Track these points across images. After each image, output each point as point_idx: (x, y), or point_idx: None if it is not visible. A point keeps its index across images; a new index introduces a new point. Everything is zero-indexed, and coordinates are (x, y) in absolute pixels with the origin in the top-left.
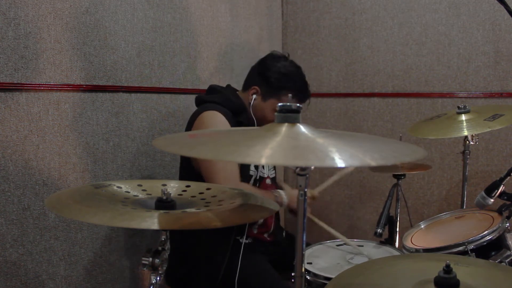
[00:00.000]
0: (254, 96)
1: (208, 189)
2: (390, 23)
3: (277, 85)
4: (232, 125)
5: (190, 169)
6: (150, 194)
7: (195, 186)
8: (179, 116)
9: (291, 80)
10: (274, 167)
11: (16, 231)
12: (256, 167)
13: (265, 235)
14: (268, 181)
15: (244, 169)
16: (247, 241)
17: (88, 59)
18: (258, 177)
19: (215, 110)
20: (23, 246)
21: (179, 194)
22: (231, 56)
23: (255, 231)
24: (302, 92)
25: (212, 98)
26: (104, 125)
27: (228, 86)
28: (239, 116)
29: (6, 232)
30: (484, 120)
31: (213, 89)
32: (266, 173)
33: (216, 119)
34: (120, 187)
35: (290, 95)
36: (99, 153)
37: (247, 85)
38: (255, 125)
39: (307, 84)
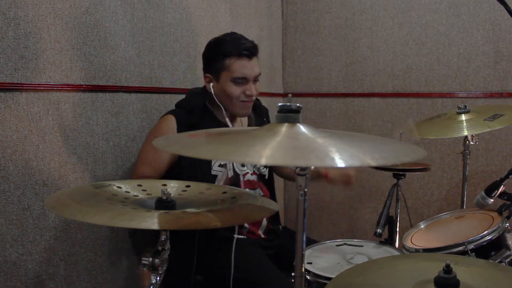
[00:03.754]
0: (211, 84)
1: (208, 189)
2: (390, 23)
3: (216, 57)
4: (184, 127)
5: (176, 168)
6: (150, 194)
7: (195, 186)
8: None
9: (223, 43)
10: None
11: (16, 231)
12: (223, 165)
13: (260, 232)
14: (249, 176)
15: (203, 168)
16: (239, 237)
17: (88, 59)
18: (230, 176)
19: (171, 114)
20: (23, 246)
21: (179, 194)
22: None
23: (245, 231)
24: (240, 46)
25: (180, 102)
26: (104, 125)
27: (204, 87)
28: (193, 115)
29: (6, 232)
30: (484, 120)
31: (187, 92)
32: (247, 169)
33: (162, 124)
34: (120, 187)
35: (244, 79)
36: (99, 153)
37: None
38: (223, 112)
39: (242, 37)
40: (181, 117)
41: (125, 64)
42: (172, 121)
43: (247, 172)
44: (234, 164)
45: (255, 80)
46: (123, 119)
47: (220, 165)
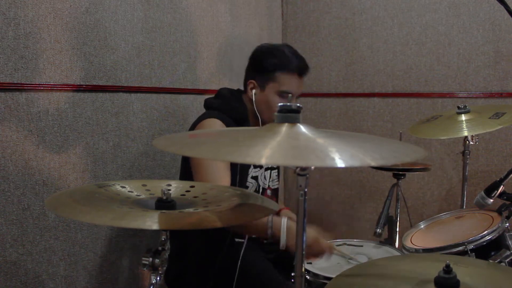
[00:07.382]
0: (254, 90)
1: (211, 189)
2: (390, 23)
3: (268, 67)
4: None
5: (188, 169)
6: (153, 194)
7: (199, 187)
8: (179, 116)
9: (279, 55)
10: (278, 177)
11: (16, 231)
12: (255, 178)
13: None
14: (268, 192)
15: (241, 180)
16: (243, 241)
17: (88, 59)
18: (257, 189)
19: (216, 118)
20: (23, 246)
21: (182, 195)
22: (231, 56)
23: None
24: (294, 62)
25: (217, 104)
26: (104, 125)
27: (238, 90)
28: (241, 124)
29: (6, 232)
30: (485, 119)
31: (220, 93)
32: (267, 183)
33: (212, 127)
34: (124, 187)
35: (290, 94)
36: (99, 153)
37: (245, 85)
38: (260, 121)
39: (297, 53)
40: (230, 124)
41: (125, 64)
42: (221, 126)
43: (269, 187)
44: (259, 178)
45: (297, 98)
46: (123, 119)
47: (252, 177)
